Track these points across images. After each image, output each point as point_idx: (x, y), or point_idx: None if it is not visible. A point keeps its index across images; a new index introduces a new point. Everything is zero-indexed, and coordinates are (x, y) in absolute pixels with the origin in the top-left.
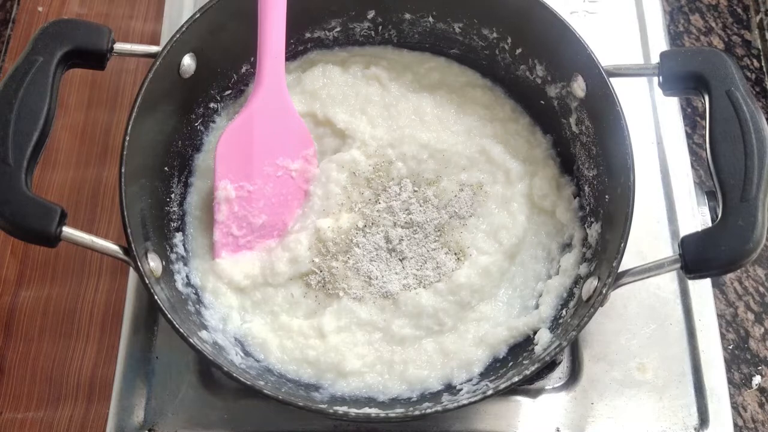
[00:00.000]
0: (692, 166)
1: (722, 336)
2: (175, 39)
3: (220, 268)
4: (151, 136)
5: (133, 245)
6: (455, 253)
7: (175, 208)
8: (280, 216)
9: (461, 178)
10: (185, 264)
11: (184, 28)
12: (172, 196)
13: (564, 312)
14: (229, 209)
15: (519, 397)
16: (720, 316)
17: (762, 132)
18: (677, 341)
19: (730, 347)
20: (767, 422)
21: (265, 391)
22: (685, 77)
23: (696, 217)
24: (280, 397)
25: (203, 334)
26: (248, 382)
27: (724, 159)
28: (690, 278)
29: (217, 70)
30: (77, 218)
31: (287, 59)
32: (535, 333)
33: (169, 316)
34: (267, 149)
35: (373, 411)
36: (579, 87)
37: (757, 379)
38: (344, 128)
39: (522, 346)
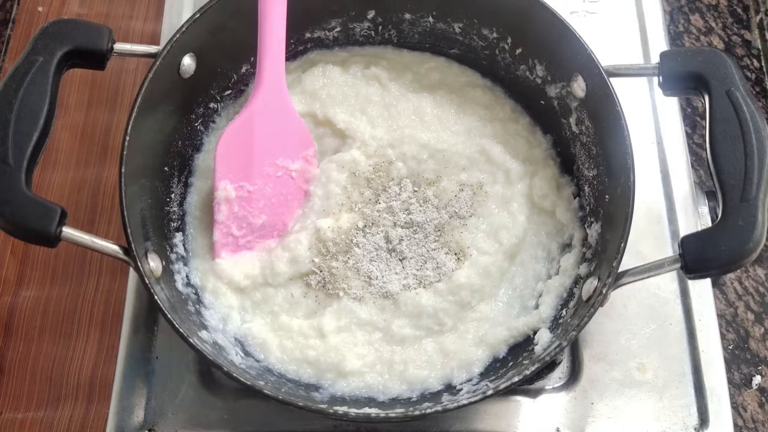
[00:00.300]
0: (692, 166)
1: (722, 336)
2: (175, 39)
3: (220, 268)
4: (151, 136)
5: (133, 245)
6: (455, 253)
7: (175, 208)
8: (280, 216)
9: (461, 178)
10: (185, 264)
11: (184, 28)
12: (172, 196)
13: (564, 312)
14: (229, 209)
15: (519, 397)
16: (720, 316)
17: (762, 132)
18: (677, 341)
19: (730, 347)
20: (767, 422)
21: (265, 391)
22: (685, 77)
23: (696, 217)
24: (280, 397)
25: (203, 334)
26: (248, 382)
27: (724, 159)
28: (690, 278)
29: (217, 70)
30: (77, 218)
31: (287, 59)
32: (535, 333)
33: (169, 316)
34: (267, 149)
35: (373, 411)
36: (579, 87)
37: (757, 379)
38: (344, 128)
39: (522, 346)
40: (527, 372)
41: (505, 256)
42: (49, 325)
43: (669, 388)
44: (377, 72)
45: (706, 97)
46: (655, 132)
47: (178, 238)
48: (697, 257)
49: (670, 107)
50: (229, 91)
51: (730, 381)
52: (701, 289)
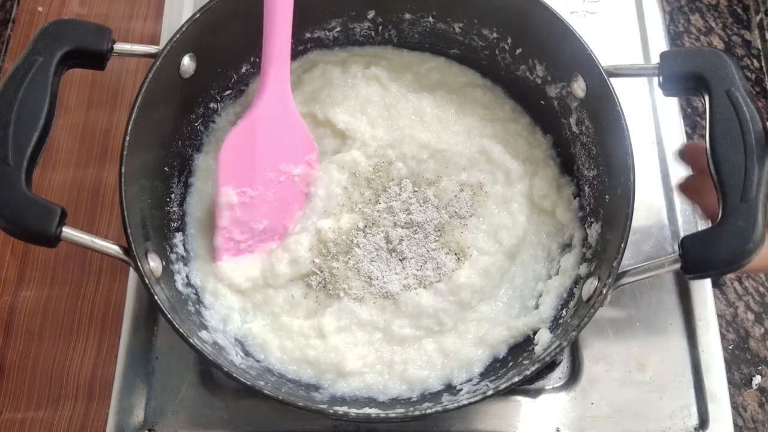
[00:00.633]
0: None
1: (722, 336)
2: (175, 39)
3: (221, 270)
4: (151, 137)
5: (133, 245)
6: (455, 254)
7: (175, 209)
8: (282, 220)
9: (461, 178)
10: (185, 264)
11: (184, 28)
12: (172, 196)
13: (564, 312)
14: (231, 215)
15: (519, 397)
16: (720, 316)
17: (762, 132)
18: (677, 341)
19: (730, 347)
20: (767, 422)
21: (265, 391)
22: (685, 77)
23: (696, 217)
24: (280, 397)
25: (203, 334)
26: (248, 382)
27: (724, 159)
28: (690, 278)
29: (217, 70)
30: (77, 218)
31: None
32: (535, 333)
33: (169, 316)
34: (270, 155)
35: (373, 411)
36: (579, 87)
37: (757, 379)
38: (344, 129)
39: (522, 346)
40: (527, 372)
41: (505, 256)
42: (49, 325)
43: (669, 389)
44: (377, 72)
45: (706, 97)
46: (655, 132)
47: (178, 238)
48: (697, 257)
49: (670, 107)
50: (229, 91)
51: (730, 381)
52: (701, 289)
